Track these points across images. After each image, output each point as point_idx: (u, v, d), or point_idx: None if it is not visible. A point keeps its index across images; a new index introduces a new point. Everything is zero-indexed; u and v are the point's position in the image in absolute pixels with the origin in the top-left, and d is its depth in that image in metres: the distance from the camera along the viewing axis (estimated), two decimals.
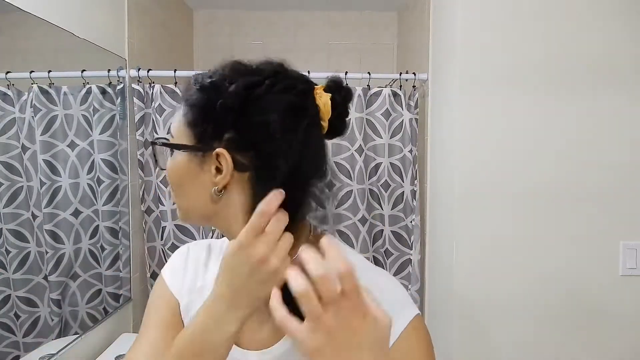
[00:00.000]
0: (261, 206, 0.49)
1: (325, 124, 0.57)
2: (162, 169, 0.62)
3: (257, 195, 0.53)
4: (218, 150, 0.54)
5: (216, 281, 0.52)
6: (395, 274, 1.81)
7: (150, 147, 0.63)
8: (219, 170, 0.55)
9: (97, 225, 1.48)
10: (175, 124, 0.59)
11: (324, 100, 0.56)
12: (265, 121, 0.53)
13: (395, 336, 0.55)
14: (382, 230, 1.83)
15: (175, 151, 0.58)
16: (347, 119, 0.61)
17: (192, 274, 0.68)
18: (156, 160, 0.62)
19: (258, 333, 0.60)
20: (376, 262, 1.80)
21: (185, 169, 0.58)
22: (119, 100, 1.59)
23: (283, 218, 0.50)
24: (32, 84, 1.22)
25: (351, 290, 0.42)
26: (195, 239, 1.75)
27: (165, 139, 0.61)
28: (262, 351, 0.59)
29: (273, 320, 0.49)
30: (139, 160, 1.71)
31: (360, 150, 1.77)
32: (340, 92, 0.58)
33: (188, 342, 0.53)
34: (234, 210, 0.57)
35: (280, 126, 0.53)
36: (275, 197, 0.49)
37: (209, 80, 0.57)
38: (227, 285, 0.51)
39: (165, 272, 0.70)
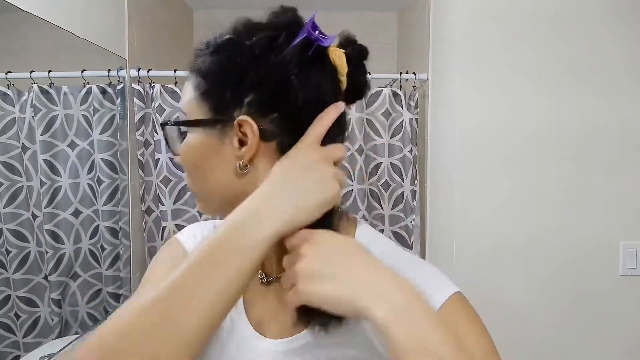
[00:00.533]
0: (325, 115, 0.48)
1: (343, 79, 0.52)
2: (175, 155, 0.54)
3: None
4: (240, 118, 0.48)
5: (264, 180, 0.47)
6: None
7: (162, 132, 0.56)
8: (241, 143, 0.49)
9: (97, 225, 1.48)
10: (185, 100, 0.53)
11: (337, 54, 0.51)
12: (289, 77, 0.48)
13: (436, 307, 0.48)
14: (382, 231, 1.83)
15: (190, 130, 0.52)
16: (365, 76, 0.55)
17: None
18: (169, 146, 0.55)
19: (281, 320, 0.54)
20: None
21: (203, 148, 0.51)
22: (119, 100, 1.59)
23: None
24: (32, 84, 1.22)
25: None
26: None
27: (173, 122, 0.54)
28: (287, 339, 0.53)
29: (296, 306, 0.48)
30: (139, 160, 1.71)
31: (360, 150, 1.77)
32: (354, 46, 0.54)
33: (204, 246, 0.43)
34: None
35: (305, 82, 0.48)
36: (336, 108, 0.49)
37: (220, 41, 0.51)
38: (273, 180, 0.46)
39: (182, 236, 0.63)
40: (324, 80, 0.50)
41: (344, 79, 0.52)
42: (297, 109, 0.48)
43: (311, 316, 0.47)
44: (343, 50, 0.52)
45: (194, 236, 0.63)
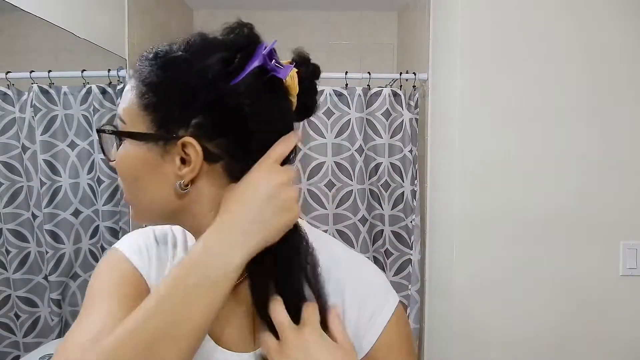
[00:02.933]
0: (288, 138, 0.49)
1: (294, 100, 0.51)
2: (110, 161, 0.52)
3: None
4: (185, 139, 0.47)
5: (222, 206, 0.47)
6: (395, 274, 1.81)
7: (96, 136, 0.56)
8: (184, 161, 0.48)
9: (97, 225, 1.48)
10: (126, 106, 0.50)
11: (291, 74, 0.50)
12: (241, 105, 0.46)
13: (382, 327, 0.53)
14: (382, 230, 1.83)
15: (127, 140, 0.50)
16: (315, 96, 0.54)
17: (156, 268, 0.57)
18: (103, 151, 0.53)
19: (243, 333, 0.54)
20: (376, 262, 1.80)
21: (142, 161, 0.49)
22: (119, 100, 1.59)
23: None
24: (32, 84, 1.22)
25: (312, 323, 0.48)
26: None
27: (113, 126, 0.51)
28: (249, 353, 0.52)
29: (260, 320, 0.50)
30: None
31: (360, 150, 1.77)
32: (307, 66, 0.53)
33: (174, 279, 0.43)
34: (204, 206, 0.51)
35: (257, 109, 0.47)
36: (296, 135, 0.50)
37: (173, 55, 0.49)
38: (238, 208, 0.46)
39: (125, 248, 0.59)
40: (276, 106, 0.50)
41: (294, 100, 0.51)
42: (247, 135, 0.48)
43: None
44: (296, 70, 0.51)
45: (139, 249, 0.59)
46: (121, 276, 0.55)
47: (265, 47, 0.49)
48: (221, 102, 0.47)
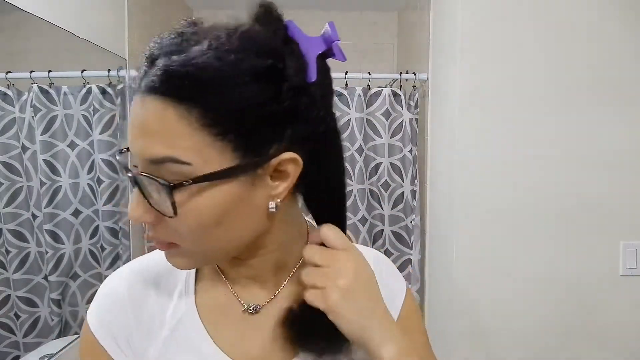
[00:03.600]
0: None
1: None
2: (167, 216, 0.40)
3: (311, 195, 0.48)
4: (285, 155, 0.41)
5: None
6: None
7: (136, 189, 0.41)
8: (275, 178, 0.43)
9: (97, 225, 1.48)
10: (186, 143, 0.38)
11: None
12: (323, 102, 0.43)
13: (399, 306, 0.57)
14: (382, 230, 1.83)
15: (204, 184, 0.39)
16: None
17: (146, 329, 0.50)
18: (151, 204, 0.40)
19: (269, 352, 0.51)
20: None
21: (231, 200, 0.40)
22: (119, 100, 1.59)
23: None
24: (32, 84, 1.22)
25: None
26: None
27: (157, 180, 0.38)
28: None
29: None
30: None
31: (360, 150, 1.77)
32: None
33: None
34: (288, 223, 0.49)
35: (329, 107, 0.44)
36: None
37: (239, 69, 0.38)
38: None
39: (94, 327, 0.50)
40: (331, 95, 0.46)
41: None
42: (324, 137, 0.44)
43: (309, 341, 0.48)
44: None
45: (110, 334, 0.50)
46: None
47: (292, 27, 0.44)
48: (308, 105, 0.41)
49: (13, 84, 1.13)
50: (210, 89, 0.38)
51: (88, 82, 1.44)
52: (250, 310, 0.51)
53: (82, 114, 1.40)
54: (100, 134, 1.48)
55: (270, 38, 0.42)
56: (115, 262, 1.57)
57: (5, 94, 1.12)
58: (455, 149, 1.51)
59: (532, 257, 1.49)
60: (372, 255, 0.58)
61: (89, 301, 1.45)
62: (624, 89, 1.47)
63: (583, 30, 1.46)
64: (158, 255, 0.54)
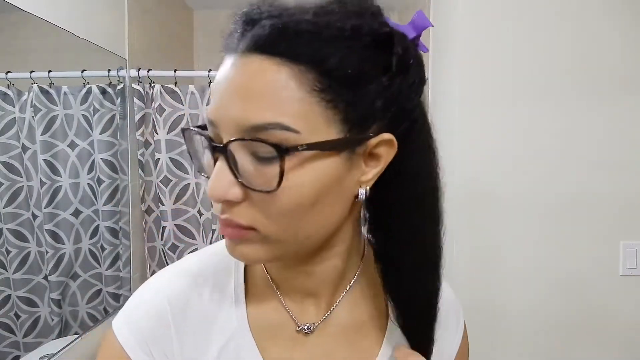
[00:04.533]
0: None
1: None
2: (265, 191, 0.35)
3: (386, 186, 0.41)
4: (384, 136, 0.38)
5: None
6: None
7: (225, 156, 0.35)
8: (368, 161, 0.39)
9: (97, 225, 1.48)
10: (295, 107, 0.34)
11: None
12: (418, 88, 0.40)
13: (462, 331, 0.59)
14: None
15: (305, 155, 0.35)
16: None
17: (191, 340, 0.45)
18: (234, 173, 0.35)
19: None
20: None
21: (330, 178, 0.36)
22: (119, 100, 1.59)
23: None
24: (32, 84, 1.22)
25: None
26: (196, 239, 1.75)
27: (271, 144, 0.34)
28: None
29: (343, 352, 0.47)
30: (139, 160, 1.71)
31: None
32: None
33: None
34: (355, 224, 0.44)
35: (418, 91, 0.41)
36: None
37: (367, 27, 0.36)
38: None
39: (124, 340, 0.43)
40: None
41: None
42: (416, 126, 0.42)
43: None
44: None
45: (143, 347, 0.43)
46: None
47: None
48: (405, 85, 0.38)
49: (13, 84, 1.13)
50: (331, 49, 0.34)
51: (88, 82, 1.44)
52: (305, 330, 0.46)
53: (82, 114, 1.41)
54: (100, 134, 1.48)
55: (380, 9, 0.39)
56: (115, 262, 1.57)
57: (5, 94, 1.12)
58: (455, 148, 1.51)
59: (532, 257, 1.49)
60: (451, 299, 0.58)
61: (89, 301, 1.45)
62: (624, 88, 1.47)
63: (584, 28, 1.46)
64: (204, 255, 0.49)
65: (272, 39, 0.34)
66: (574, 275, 1.49)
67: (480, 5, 1.46)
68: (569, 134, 1.47)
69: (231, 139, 0.35)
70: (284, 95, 0.34)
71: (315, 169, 0.35)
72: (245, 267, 0.48)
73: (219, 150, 0.35)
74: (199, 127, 0.39)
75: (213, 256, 0.49)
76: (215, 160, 0.37)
